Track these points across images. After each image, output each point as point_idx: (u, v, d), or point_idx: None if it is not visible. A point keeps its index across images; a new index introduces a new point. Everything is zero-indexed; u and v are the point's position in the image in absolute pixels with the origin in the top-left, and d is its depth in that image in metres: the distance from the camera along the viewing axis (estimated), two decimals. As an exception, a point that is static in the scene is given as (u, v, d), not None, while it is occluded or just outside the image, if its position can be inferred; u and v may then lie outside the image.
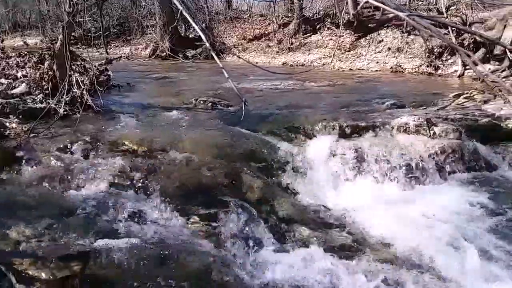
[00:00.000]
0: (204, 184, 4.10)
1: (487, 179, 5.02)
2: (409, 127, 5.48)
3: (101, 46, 17.67)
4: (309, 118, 5.71)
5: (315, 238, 3.58)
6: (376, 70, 12.78)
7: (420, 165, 5.16)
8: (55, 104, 5.36)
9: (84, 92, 5.75)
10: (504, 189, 4.79)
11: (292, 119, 5.75)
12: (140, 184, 3.97)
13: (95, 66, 7.08)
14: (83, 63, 6.70)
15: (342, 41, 14.79)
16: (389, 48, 13.48)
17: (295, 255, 3.28)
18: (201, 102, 6.89)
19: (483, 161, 5.24)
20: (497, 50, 10.00)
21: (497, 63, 9.96)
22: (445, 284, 3.27)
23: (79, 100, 5.68)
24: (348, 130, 5.38)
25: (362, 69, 13.04)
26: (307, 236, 3.58)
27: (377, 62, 13.15)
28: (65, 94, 5.47)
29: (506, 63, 9.56)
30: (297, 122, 5.59)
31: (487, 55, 10.11)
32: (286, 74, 10.69)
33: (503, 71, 9.33)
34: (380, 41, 14.02)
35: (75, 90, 5.67)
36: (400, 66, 12.37)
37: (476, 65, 8.78)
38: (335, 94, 7.98)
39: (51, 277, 2.58)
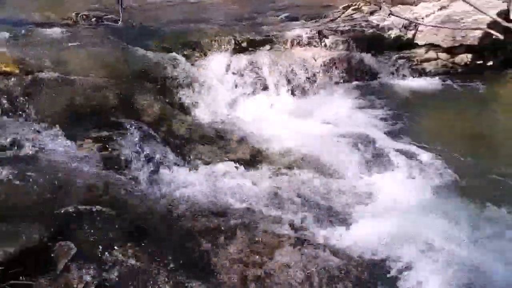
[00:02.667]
0: (95, 106, 3.84)
1: (371, 87, 5.45)
2: (302, 40, 5.59)
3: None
4: (204, 32, 5.50)
5: (215, 154, 3.64)
6: (271, -18, 12.54)
7: (314, 76, 5.39)
8: None
9: None
10: (386, 95, 5.25)
11: (186, 34, 5.49)
12: (20, 110, 3.59)
13: None
14: None
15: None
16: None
17: (197, 172, 3.32)
18: (83, 17, 6.20)
19: (368, 70, 5.62)
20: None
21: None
22: (338, 180, 3.59)
23: None
24: (244, 44, 5.33)
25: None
26: (207, 152, 3.62)
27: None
28: None
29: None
30: (192, 37, 5.36)
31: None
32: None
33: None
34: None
35: None
36: (293, -23, 12.26)
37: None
38: (229, 6, 7.73)
39: None
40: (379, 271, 2.70)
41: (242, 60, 5.09)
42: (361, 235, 2.91)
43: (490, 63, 5.90)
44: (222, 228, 2.87)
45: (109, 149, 3.22)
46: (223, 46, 5.19)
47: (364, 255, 2.77)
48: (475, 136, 4.48)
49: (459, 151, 4.00)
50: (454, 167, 3.76)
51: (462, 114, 4.88)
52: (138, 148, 3.26)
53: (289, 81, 5.21)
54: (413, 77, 5.72)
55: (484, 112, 4.98)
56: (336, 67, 5.47)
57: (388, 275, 2.66)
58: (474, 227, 2.89)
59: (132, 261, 2.57)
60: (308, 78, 5.33)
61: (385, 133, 4.36)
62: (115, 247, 2.61)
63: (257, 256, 2.67)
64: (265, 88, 5.07)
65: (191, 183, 3.15)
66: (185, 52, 4.96)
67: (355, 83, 5.49)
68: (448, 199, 3.26)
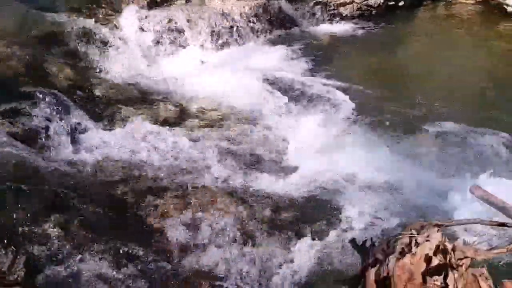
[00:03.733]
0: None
1: (292, 34, 5.49)
2: (218, -9, 5.44)
3: None
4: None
5: (137, 114, 3.53)
6: None
7: (234, 27, 5.31)
8: None
9: None
10: (307, 42, 5.33)
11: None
12: None
13: None
14: None
15: None
16: None
17: (115, 133, 3.21)
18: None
19: (288, 18, 5.63)
20: None
21: None
22: (264, 125, 3.69)
23: None
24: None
25: None
26: (127, 112, 3.50)
27: None
28: None
29: None
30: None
31: None
32: None
33: None
34: None
35: None
36: None
37: None
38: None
39: None
40: (307, 204, 2.84)
41: (158, 16, 4.88)
42: (286, 173, 3.06)
43: (402, 3, 6.15)
44: (152, 188, 2.85)
45: (20, 122, 3.00)
46: (135, 2, 4.92)
47: (290, 192, 2.90)
48: (389, 73, 4.74)
49: (374, 88, 4.24)
50: (368, 103, 4.00)
51: (377, 54, 5.11)
52: (51, 117, 3.07)
53: (210, 35, 5.09)
54: (331, 22, 5.84)
55: (398, 49, 5.24)
56: (256, 17, 5.43)
57: (315, 205, 2.81)
58: (387, 156, 3.13)
59: (60, 232, 2.49)
60: (229, 30, 5.25)
61: (306, 77, 4.46)
62: (39, 221, 2.51)
63: (189, 210, 2.69)
64: (185, 43, 4.93)
65: (111, 145, 3.05)
66: (94, 11, 4.65)
67: (277, 32, 5.49)
68: (363, 132, 3.48)
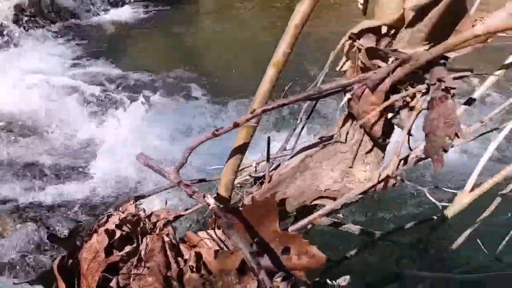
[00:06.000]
0: None
1: (71, 29, 5.10)
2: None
3: None
4: None
5: None
6: None
7: (5, 29, 4.71)
8: None
9: None
10: (89, 35, 5.04)
11: None
12: None
13: None
14: None
15: None
16: None
17: None
18: None
19: (64, 10, 5.20)
20: None
21: None
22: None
23: None
24: None
25: None
26: None
27: None
28: None
29: None
30: None
31: None
32: None
33: None
34: None
35: None
36: None
37: None
38: None
39: None
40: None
41: None
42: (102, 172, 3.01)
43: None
44: None
45: None
46: None
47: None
48: (182, 53, 4.83)
49: (168, 70, 4.29)
50: (163, 85, 4.05)
51: (167, 35, 5.14)
52: None
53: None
54: (117, 8, 5.61)
55: (188, 28, 5.34)
56: (26, 14, 4.89)
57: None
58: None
59: None
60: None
61: (94, 72, 4.26)
62: None
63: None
64: None
65: None
66: None
67: (54, 28, 5.03)
68: (163, 115, 3.54)
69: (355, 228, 0.98)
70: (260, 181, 1.02)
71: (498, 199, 1.30)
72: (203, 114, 3.77)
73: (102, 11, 5.42)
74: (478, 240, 1.25)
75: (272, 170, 1.02)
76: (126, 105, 3.80)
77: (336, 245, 1.76)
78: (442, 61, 0.67)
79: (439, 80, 0.64)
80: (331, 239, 1.81)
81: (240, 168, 1.28)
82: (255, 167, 1.13)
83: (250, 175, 1.08)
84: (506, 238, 1.31)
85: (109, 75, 4.26)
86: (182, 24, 5.38)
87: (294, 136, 1.10)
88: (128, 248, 0.94)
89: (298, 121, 1.06)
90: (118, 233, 0.95)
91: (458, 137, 0.68)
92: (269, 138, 0.99)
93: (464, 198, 0.87)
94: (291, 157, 0.99)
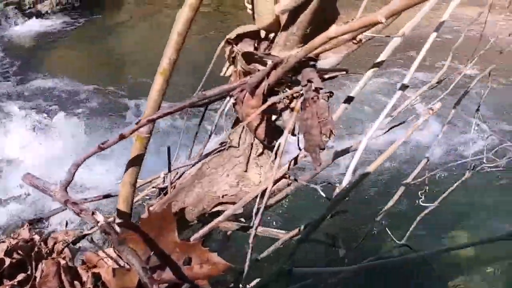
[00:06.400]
0: None
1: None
2: None
3: None
4: None
5: None
6: None
7: None
8: None
9: None
10: (10, 44, 4.77)
11: None
12: None
13: None
14: None
15: None
16: None
17: None
18: None
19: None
20: None
21: None
22: None
23: None
24: None
25: None
26: None
27: None
28: None
29: None
30: None
31: None
32: None
33: None
34: None
35: None
36: None
37: None
38: None
39: None
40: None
41: None
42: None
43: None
44: None
45: None
46: None
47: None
48: (103, 62, 4.68)
49: (89, 80, 4.14)
50: (86, 97, 3.91)
51: (87, 45, 4.96)
52: None
53: None
54: (34, 19, 5.31)
55: (108, 37, 5.18)
56: None
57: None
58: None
59: None
60: None
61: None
62: None
63: None
64: None
65: None
66: None
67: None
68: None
69: (262, 230, 0.99)
70: (164, 192, 1.01)
71: (402, 188, 1.38)
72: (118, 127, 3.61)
73: (19, 23, 5.12)
74: (387, 229, 1.31)
75: (176, 180, 1.01)
76: (22, 120, 3.59)
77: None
78: (312, 63, 0.69)
79: (309, 81, 0.66)
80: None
81: (149, 180, 1.25)
82: (164, 178, 1.11)
83: (154, 187, 1.06)
84: (413, 225, 1.39)
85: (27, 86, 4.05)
86: (101, 35, 5.22)
87: (200, 143, 1.10)
88: (20, 277, 0.89)
89: (198, 129, 1.05)
90: (7, 261, 0.90)
91: (334, 135, 0.70)
92: (169, 148, 0.98)
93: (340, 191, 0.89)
94: (193, 165, 0.98)
